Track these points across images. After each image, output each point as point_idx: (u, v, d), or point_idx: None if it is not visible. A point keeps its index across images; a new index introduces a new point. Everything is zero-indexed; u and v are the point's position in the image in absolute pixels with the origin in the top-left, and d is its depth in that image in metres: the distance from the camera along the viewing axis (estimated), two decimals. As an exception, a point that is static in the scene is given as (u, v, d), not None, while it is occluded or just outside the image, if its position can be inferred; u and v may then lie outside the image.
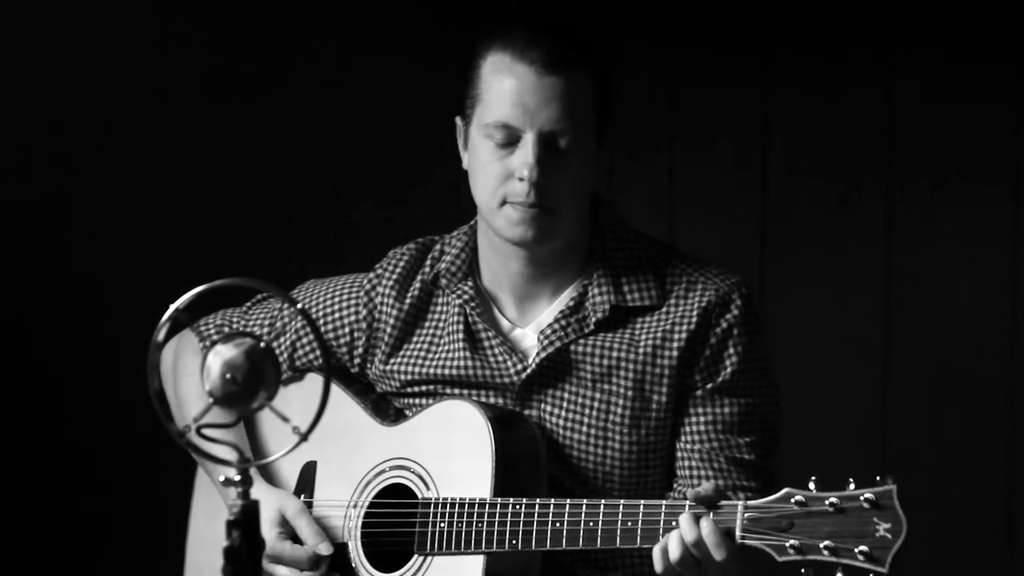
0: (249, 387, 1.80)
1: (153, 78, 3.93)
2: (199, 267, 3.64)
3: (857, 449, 3.80)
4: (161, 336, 1.82)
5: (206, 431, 1.83)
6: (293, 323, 2.64)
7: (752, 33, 3.84)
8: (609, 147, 2.51)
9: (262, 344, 1.80)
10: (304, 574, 2.50)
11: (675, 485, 2.49)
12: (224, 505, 2.48)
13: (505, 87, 2.41)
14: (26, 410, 3.93)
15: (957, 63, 3.76)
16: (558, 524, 2.34)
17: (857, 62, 3.80)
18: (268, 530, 2.50)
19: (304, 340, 2.64)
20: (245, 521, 1.79)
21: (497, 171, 2.42)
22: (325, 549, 2.49)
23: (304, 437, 1.81)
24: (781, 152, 3.85)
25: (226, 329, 2.68)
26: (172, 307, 1.83)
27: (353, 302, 2.62)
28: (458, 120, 2.51)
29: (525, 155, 2.40)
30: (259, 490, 2.51)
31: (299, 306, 1.87)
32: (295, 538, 2.52)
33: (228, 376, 1.79)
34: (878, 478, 2.13)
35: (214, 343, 1.81)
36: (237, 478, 1.81)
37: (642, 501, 2.30)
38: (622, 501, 2.31)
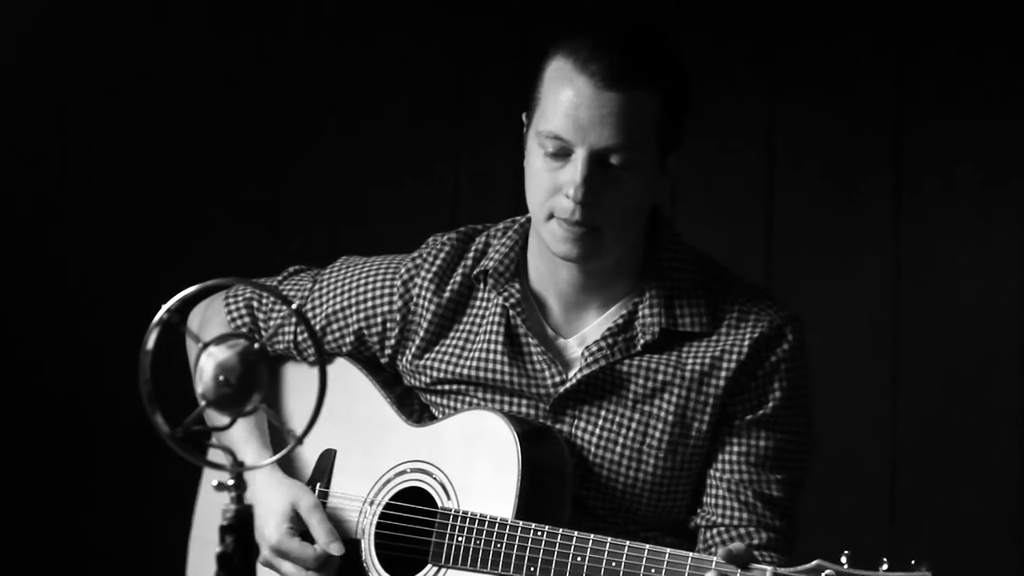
0: (243, 389, 1.78)
1: (146, 76, 3.94)
2: (191, 267, 3.64)
3: (866, 452, 3.79)
4: (151, 341, 1.81)
5: (210, 435, 1.82)
6: (323, 308, 2.61)
7: (757, 26, 3.84)
8: (678, 163, 2.46)
9: (256, 345, 1.79)
10: (309, 574, 2.47)
11: (699, 512, 2.48)
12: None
13: (562, 98, 2.36)
14: (13, 412, 3.92)
15: (968, 58, 3.75)
16: (579, 559, 2.32)
17: (865, 57, 3.79)
18: (279, 523, 2.48)
19: (334, 326, 2.59)
20: (239, 526, 1.78)
21: (546, 183, 2.38)
22: (336, 550, 2.46)
23: (299, 441, 1.80)
24: (786, 150, 3.84)
25: (255, 304, 2.65)
26: (162, 309, 1.81)
27: (387, 290, 2.57)
28: (524, 117, 2.47)
29: (574, 172, 2.35)
30: (272, 481, 2.50)
31: (295, 306, 1.86)
32: (305, 535, 2.50)
33: (221, 378, 1.77)
34: (912, 562, 2.12)
35: (207, 345, 1.80)
36: (230, 482, 1.80)
37: (668, 550, 2.28)
38: (647, 546, 2.28)
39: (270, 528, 2.47)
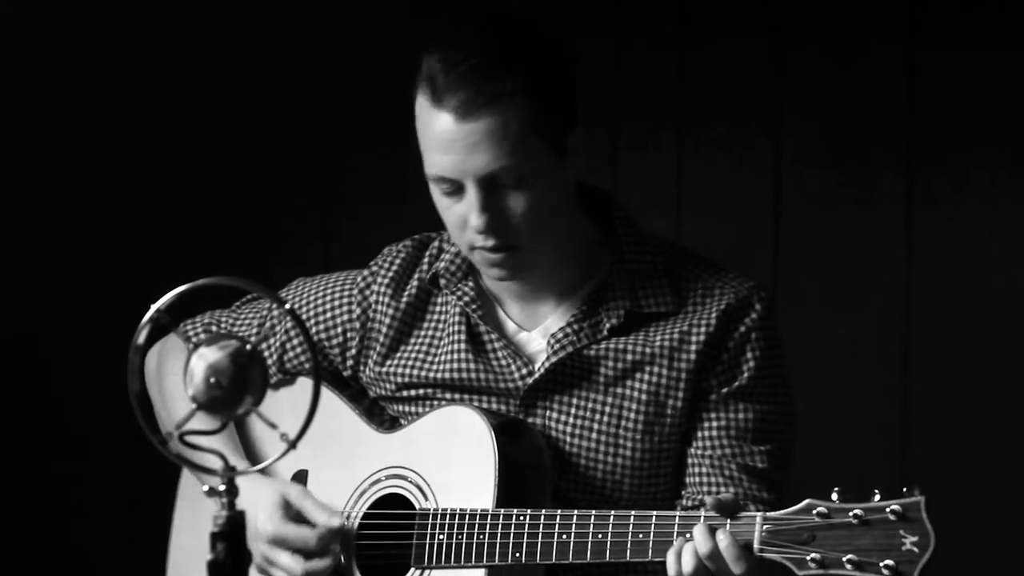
0: (234, 392, 1.78)
1: (136, 72, 3.95)
2: (181, 266, 3.63)
3: (876, 458, 3.79)
4: (142, 338, 1.80)
5: (189, 438, 1.81)
6: (282, 323, 2.63)
7: (765, 18, 3.83)
8: (585, 137, 2.46)
9: (248, 346, 1.78)
10: (309, 563, 2.46)
11: (683, 493, 2.48)
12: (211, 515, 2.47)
13: (431, 139, 2.39)
14: (2, 412, 3.92)
15: (982, 51, 3.75)
16: (564, 536, 2.33)
17: (876, 49, 3.79)
18: (271, 514, 2.46)
19: (295, 341, 2.62)
20: (230, 533, 1.77)
21: (453, 220, 2.42)
22: (338, 520, 2.44)
23: (292, 444, 1.79)
24: (795, 145, 3.84)
25: (213, 329, 2.67)
26: (153, 308, 1.81)
27: (346, 300, 2.60)
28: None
29: (469, 204, 2.38)
30: (256, 480, 2.49)
31: (287, 306, 1.85)
32: (299, 522, 2.48)
33: (212, 380, 1.77)
34: (904, 489, 2.13)
35: (197, 345, 1.79)
36: (222, 488, 1.79)
37: (654, 512, 2.29)
38: (633, 512, 2.29)
39: (262, 520, 2.46)
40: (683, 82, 3.88)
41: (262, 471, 2.55)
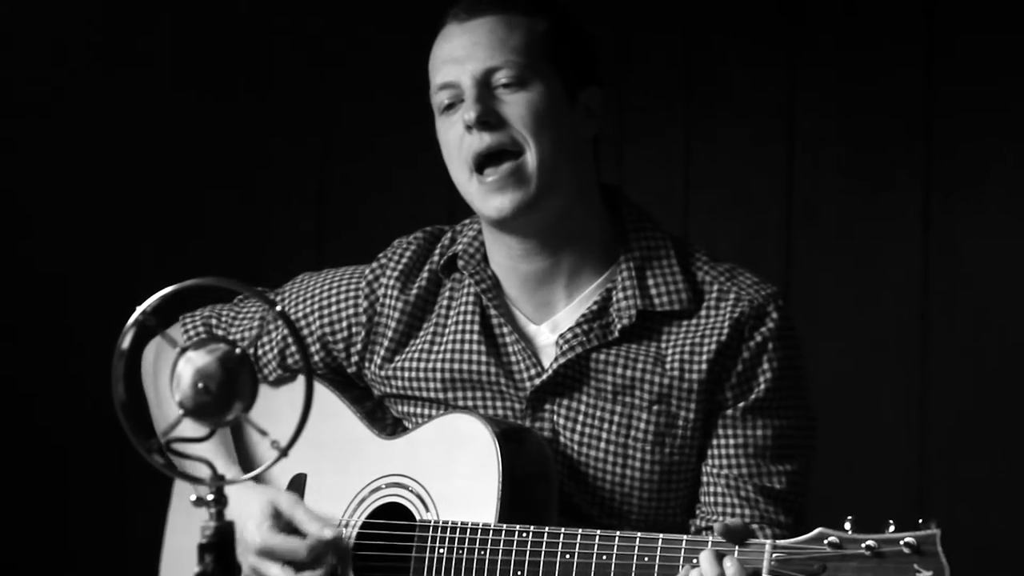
0: (223, 397, 1.77)
1: (128, 66, 3.95)
2: (170, 265, 3.64)
3: (892, 466, 3.79)
4: (126, 343, 1.80)
5: (177, 446, 1.81)
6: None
7: (776, 7, 3.83)
8: (601, 100, 2.50)
9: (238, 350, 1.77)
10: (302, 574, 2.45)
11: (697, 512, 2.48)
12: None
13: (436, 53, 2.47)
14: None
15: (1002, 45, 3.75)
16: (568, 556, 2.32)
17: (892, 42, 3.79)
18: (259, 523, 2.46)
19: (293, 339, 2.62)
20: (219, 544, 1.77)
21: (453, 140, 2.44)
22: (330, 532, 2.44)
23: (284, 452, 1.78)
24: (808, 141, 3.84)
25: (213, 322, 2.67)
26: (138, 310, 1.80)
27: (352, 294, 2.60)
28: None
29: (466, 103, 2.43)
30: (246, 489, 2.49)
31: (279, 308, 1.85)
32: (289, 532, 2.48)
33: (200, 385, 1.76)
34: (920, 521, 2.12)
35: (185, 349, 1.79)
36: (210, 497, 1.79)
37: (661, 535, 2.28)
38: (639, 534, 2.29)
39: (251, 530, 2.46)
40: (690, 74, 3.88)
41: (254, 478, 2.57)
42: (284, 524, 2.47)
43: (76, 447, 3.93)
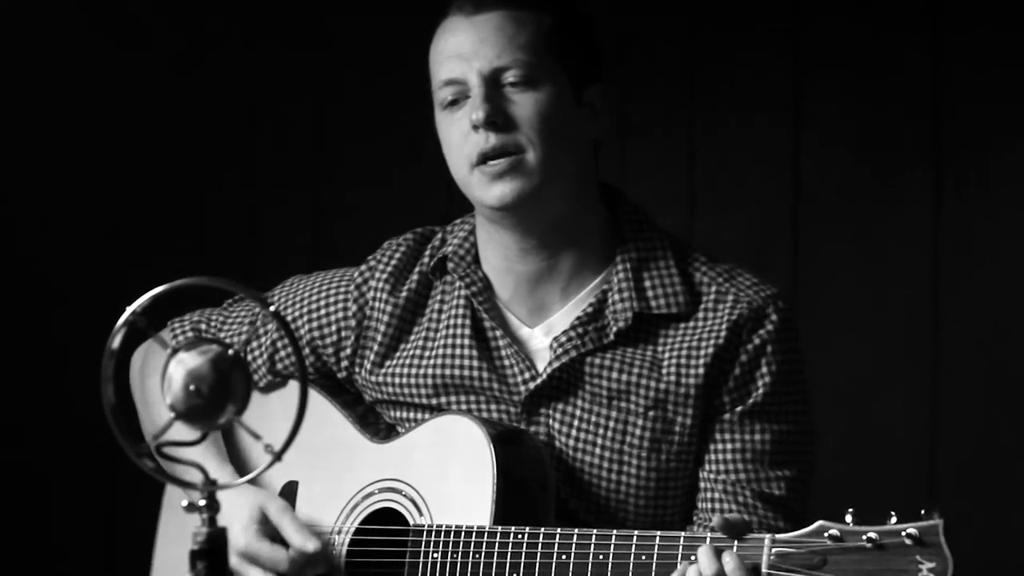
0: (215, 400, 1.76)
1: (117, 57, 3.97)
2: (161, 265, 3.64)
3: (901, 471, 3.79)
4: (116, 343, 1.79)
5: (168, 450, 1.80)
6: (274, 322, 2.62)
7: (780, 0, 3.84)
8: (605, 98, 2.50)
9: (230, 351, 1.77)
10: None
11: (694, 518, 2.48)
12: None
13: (441, 46, 2.46)
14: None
15: (1012, 34, 3.74)
16: (564, 557, 2.32)
17: (901, 33, 3.79)
18: (246, 526, 2.47)
19: (286, 341, 2.61)
20: (211, 551, 1.76)
21: (455, 136, 2.44)
22: (312, 546, 2.44)
23: (277, 457, 1.78)
24: (815, 135, 3.84)
25: (203, 327, 2.67)
26: (128, 310, 1.79)
27: (342, 297, 2.60)
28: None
29: (473, 103, 2.42)
30: (237, 491, 2.49)
31: (272, 308, 1.84)
32: (275, 539, 2.49)
33: (192, 388, 1.76)
34: (923, 512, 2.12)
35: (176, 350, 1.78)
36: (202, 503, 1.78)
37: (658, 532, 2.27)
38: (636, 532, 2.29)
39: (236, 532, 2.46)
40: (694, 67, 3.88)
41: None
42: (270, 530, 2.48)
43: (63, 453, 3.93)
